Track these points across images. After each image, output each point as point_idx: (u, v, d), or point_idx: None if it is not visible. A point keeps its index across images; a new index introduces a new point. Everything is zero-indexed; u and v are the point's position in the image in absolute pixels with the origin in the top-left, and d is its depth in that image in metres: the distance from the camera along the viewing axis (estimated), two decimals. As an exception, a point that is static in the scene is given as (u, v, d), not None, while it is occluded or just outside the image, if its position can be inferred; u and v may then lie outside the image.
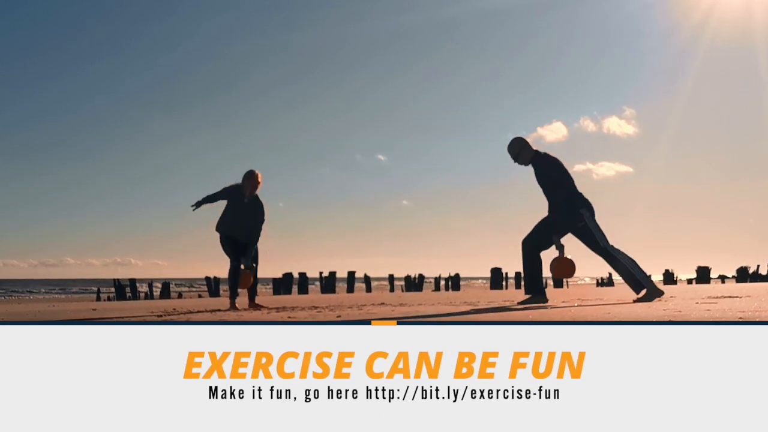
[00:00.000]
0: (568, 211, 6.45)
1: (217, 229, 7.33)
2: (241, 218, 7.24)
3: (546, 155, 6.62)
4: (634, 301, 6.22)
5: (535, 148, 6.62)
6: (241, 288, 7.31)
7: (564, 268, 6.51)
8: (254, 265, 7.32)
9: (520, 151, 6.59)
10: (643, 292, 6.41)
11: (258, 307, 7.14)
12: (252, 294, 7.36)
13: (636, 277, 6.42)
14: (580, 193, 6.54)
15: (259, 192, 7.33)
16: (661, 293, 6.40)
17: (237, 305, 7.10)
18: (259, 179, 7.27)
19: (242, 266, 7.25)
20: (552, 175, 6.52)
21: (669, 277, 32.38)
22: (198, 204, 7.28)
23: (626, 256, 6.48)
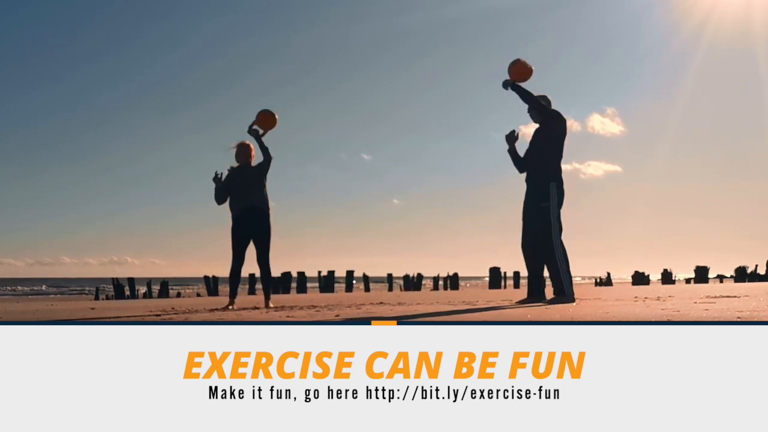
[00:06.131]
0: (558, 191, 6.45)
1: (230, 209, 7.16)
2: (243, 183, 7.07)
3: (564, 120, 6.57)
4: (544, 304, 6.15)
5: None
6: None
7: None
8: (267, 272, 7.20)
9: (540, 96, 6.53)
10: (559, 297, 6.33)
11: (269, 307, 7.06)
12: (267, 294, 7.28)
13: (562, 282, 6.33)
14: (561, 177, 6.52)
15: (254, 159, 7.19)
16: (572, 301, 6.24)
17: (234, 306, 7.04)
18: (251, 145, 7.17)
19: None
20: (558, 140, 6.48)
21: (667, 277, 32.31)
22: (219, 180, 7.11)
23: (566, 257, 6.38)
